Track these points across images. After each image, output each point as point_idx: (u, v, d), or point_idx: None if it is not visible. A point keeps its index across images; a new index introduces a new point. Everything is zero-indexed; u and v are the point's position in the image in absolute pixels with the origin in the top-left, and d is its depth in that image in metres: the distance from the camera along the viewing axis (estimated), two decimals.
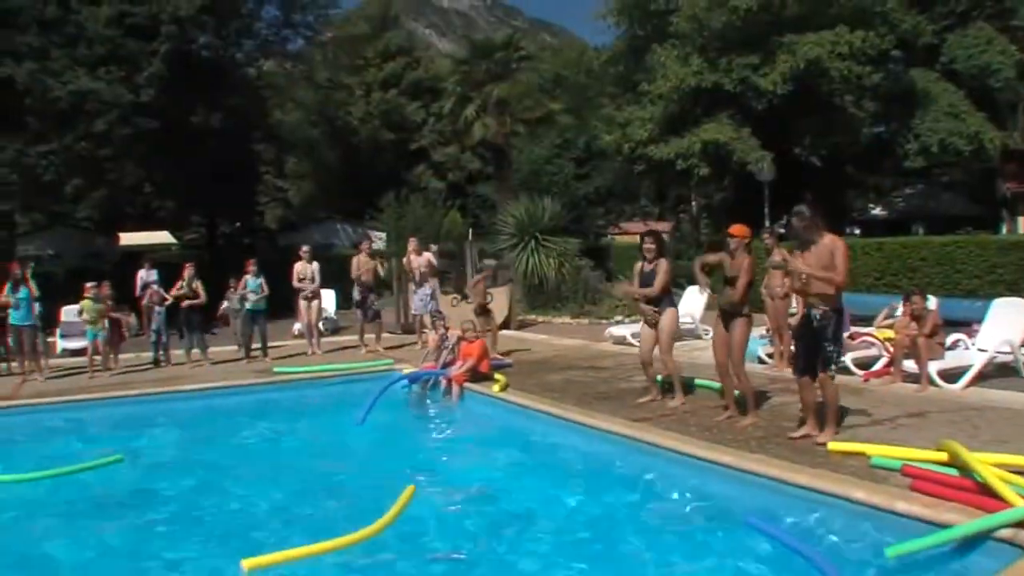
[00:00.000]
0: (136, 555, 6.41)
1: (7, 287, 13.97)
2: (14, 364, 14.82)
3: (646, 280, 9.31)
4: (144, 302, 16.39)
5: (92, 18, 22.36)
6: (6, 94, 21.80)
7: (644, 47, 27.33)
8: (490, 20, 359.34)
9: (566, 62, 49.41)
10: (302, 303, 15.61)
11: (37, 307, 14.27)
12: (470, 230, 22.73)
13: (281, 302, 16.58)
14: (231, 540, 6.57)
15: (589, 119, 36.28)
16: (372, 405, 10.72)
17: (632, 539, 6.15)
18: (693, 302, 15.01)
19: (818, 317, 7.25)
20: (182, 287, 14.70)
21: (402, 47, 50.49)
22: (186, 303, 14.57)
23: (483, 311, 14.71)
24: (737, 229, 8.25)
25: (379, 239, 35.78)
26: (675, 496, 7.04)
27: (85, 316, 14.27)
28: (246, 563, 5.59)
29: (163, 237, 38.86)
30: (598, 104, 35.62)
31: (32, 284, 14.23)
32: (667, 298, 9.36)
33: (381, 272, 16.17)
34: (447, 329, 12.63)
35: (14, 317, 14.01)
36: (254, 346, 15.27)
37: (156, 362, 15.07)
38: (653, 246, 9.28)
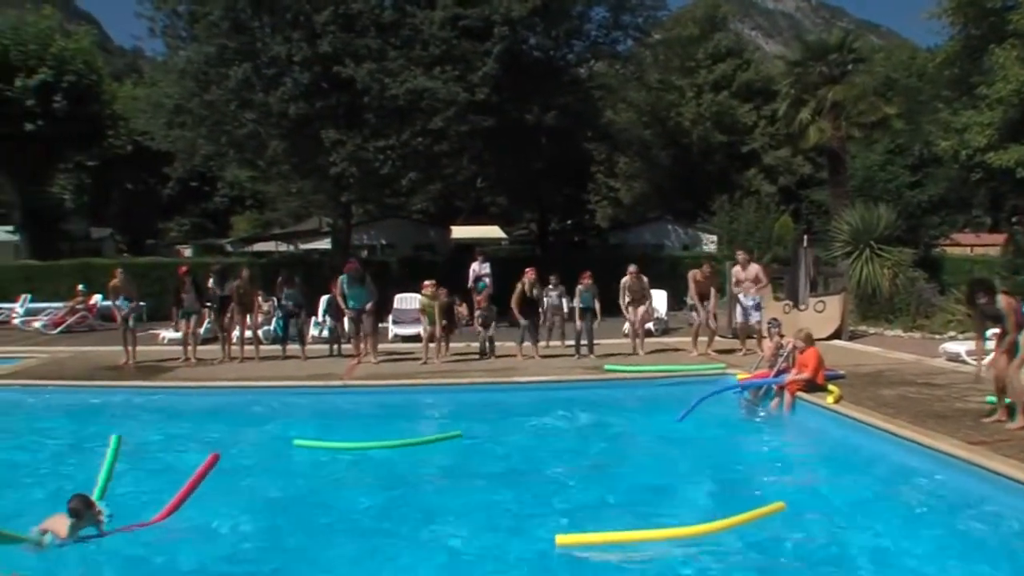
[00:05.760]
0: (465, 515, 7.12)
1: (339, 280, 14.99)
2: (346, 346, 15.81)
3: (990, 315, 9.04)
4: (476, 312, 16.36)
5: (427, 21, 22.84)
6: (347, 93, 22.93)
7: (981, 47, 24.87)
8: (816, 22, 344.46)
9: (897, 64, 46.48)
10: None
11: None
12: (804, 236, 22.17)
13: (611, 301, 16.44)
14: (549, 517, 6.91)
15: (922, 124, 34.26)
16: (696, 406, 10.71)
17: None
18: None
19: None
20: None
21: (731, 49, 49.24)
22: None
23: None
24: None
25: (711, 242, 35.84)
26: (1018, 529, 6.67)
27: (422, 309, 15.07)
28: (560, 539, 5.95)
29: (494, 232, 39.62)
30: (932, 108, 33.35)
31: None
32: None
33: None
34: (782, 337, 12.31)
35: (355, 301, 14.88)
36: (582, 343, 15.33)
37: (483, 352, 15.48)
38: (987, 298, 8.98)
